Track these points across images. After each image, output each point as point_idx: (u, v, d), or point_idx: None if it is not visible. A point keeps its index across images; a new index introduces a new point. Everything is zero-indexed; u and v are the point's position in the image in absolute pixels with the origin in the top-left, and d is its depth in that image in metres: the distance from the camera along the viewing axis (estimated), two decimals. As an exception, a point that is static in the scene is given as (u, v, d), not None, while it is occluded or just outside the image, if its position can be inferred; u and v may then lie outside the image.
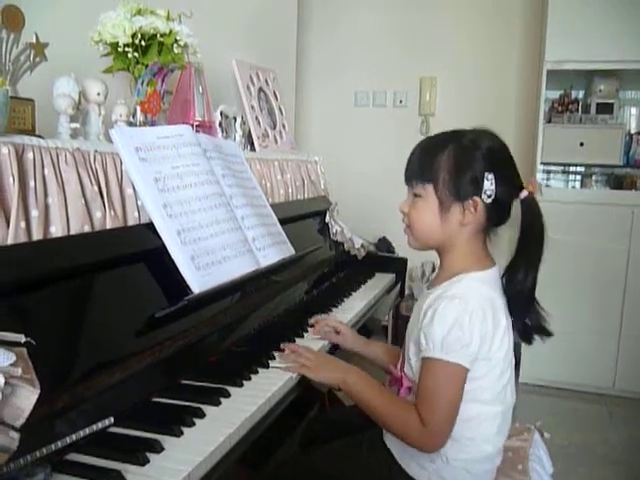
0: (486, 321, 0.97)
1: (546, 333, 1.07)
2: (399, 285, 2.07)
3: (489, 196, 1.00)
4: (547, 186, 2.97)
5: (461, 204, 1.02)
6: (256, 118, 1.90)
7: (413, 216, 1.07)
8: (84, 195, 1.02)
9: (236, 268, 1.21)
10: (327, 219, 1.96)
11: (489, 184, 0.99)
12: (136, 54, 1.33)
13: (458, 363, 0.96)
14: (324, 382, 1.10)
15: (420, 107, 3.27)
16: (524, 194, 1.03)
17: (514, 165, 1.06)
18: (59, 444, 0.73)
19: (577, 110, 2.90)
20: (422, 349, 0.99)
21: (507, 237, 1.09)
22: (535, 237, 1.03)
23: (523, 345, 1.10)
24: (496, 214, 1.03)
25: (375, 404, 1.04)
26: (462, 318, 0.95)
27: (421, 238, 1.08)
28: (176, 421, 0.86)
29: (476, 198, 1.00)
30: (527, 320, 1.06)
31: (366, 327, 1.61)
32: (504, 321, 1.01)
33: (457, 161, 1.01)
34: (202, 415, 0.90)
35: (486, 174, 0.99)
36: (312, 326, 1.35)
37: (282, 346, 1.19)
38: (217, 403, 0.94)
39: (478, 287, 1.01)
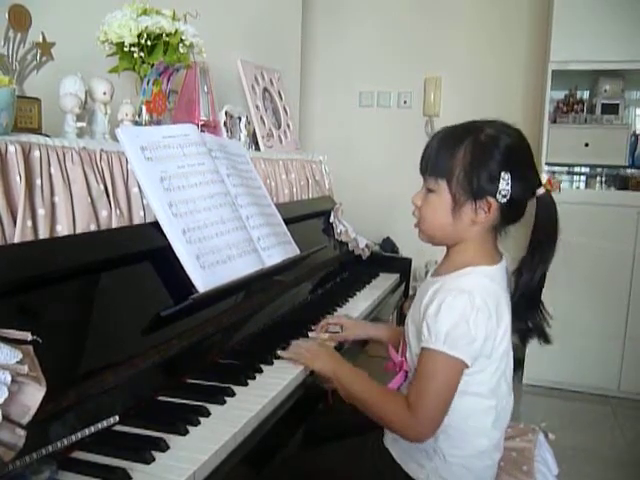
0: (491, 318, 0.96)
1: (545, 339, 1.05)
2: (403, 285, 2.07)
3: (504, 196, 0.97)
4: (552, 186, 2.96)
5: (474, 203, 0.99)
6: (261, 118, 1.90)
7: (424, 210, 1.05)
8: (90, 194, 1.02)
9: (241, 267, 1.22)
10: (331, 219, 1.96)
11: (505, 184, 0.97)
12: (142, 54, 1.33)
13: (460, 358, 0.95)
14: (318, 372, 1.11)
15: (424, 108, 3.26)
16: (540, 191, 1.01)
17: (532, 163, 1.03)
18: (65, 442, 0.73)
19: (582, 110, 2.89)
20: (423, 339, 0.98)
21: (522, 233, 1.06)
22: (547, 236, 1.01)
23: (528, 346, 1.09)
24: (510, 213, 1.01)
25: (364, 395, 1.04)
26: (469, 314, 0.94)
27: (430, 233, 1.07)
28: (181, 420, 0.86)
29: (490, 199, 0.98)
30: (529, 322, 1.04)
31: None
32: (506, 318, 1.00)
33: (474, 158, 0.98)
34: (207, 414, 0.90)
35: (502, 174, 0.96)
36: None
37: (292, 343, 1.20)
38: (222, 402, 0.94)
39: (486, 283, 0.99)
